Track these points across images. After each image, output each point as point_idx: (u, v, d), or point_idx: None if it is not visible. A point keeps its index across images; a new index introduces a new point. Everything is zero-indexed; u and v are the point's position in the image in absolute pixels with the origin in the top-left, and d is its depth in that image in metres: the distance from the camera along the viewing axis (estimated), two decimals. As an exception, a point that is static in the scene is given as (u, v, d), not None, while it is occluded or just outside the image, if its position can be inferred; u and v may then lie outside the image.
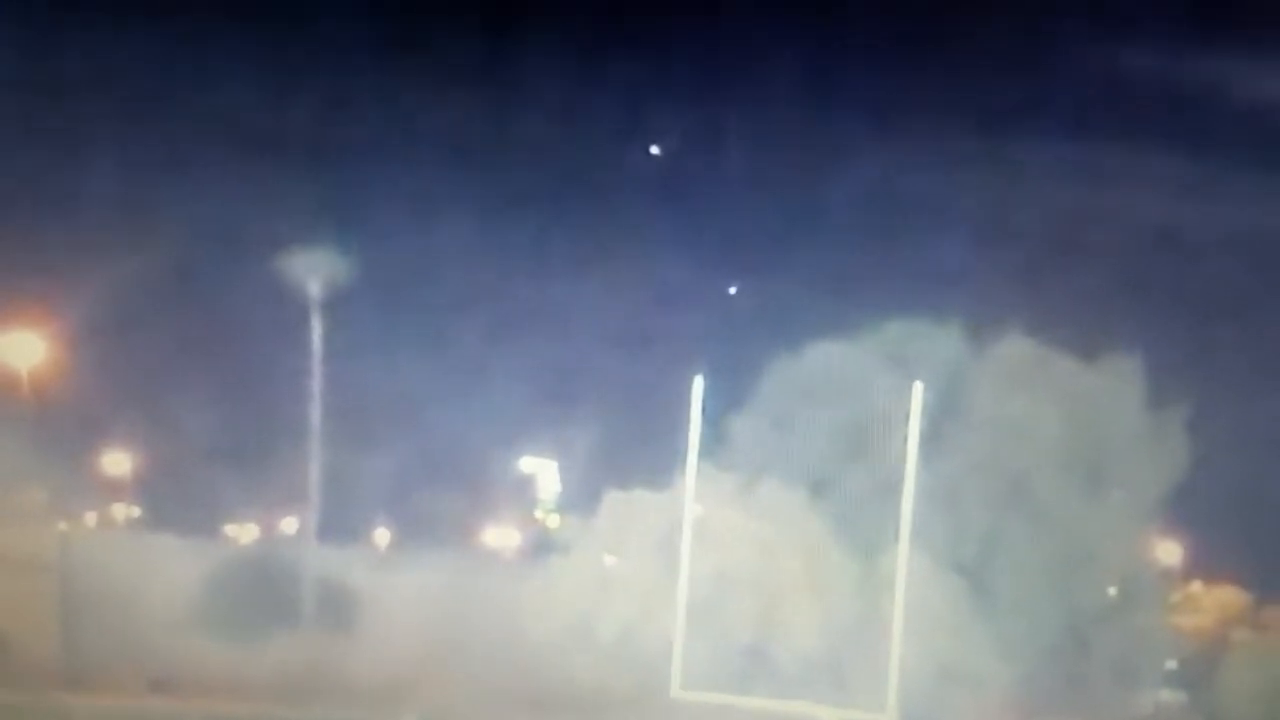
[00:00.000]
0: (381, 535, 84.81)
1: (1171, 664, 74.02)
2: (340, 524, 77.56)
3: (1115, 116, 78.25)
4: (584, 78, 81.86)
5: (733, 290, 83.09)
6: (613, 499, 67.57)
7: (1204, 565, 79.96)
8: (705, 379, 55.63)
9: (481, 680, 68.47)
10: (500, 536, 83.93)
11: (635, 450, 70.31)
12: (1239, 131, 76.47)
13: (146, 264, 73.25)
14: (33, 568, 74.27)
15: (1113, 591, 68.86)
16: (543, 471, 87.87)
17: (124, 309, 73.39)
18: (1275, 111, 75.61)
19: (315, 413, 75.24)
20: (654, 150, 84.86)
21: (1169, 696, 74.88)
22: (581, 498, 74.52)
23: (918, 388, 55.41)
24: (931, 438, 59.43)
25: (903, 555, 54.87)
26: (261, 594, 74.05)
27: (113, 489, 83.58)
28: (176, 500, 79.66)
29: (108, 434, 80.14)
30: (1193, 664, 74.68)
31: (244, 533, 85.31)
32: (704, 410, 55.86)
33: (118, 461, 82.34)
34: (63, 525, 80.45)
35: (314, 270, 74.65)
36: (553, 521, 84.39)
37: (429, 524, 78.52)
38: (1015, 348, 69.06)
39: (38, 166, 75.26)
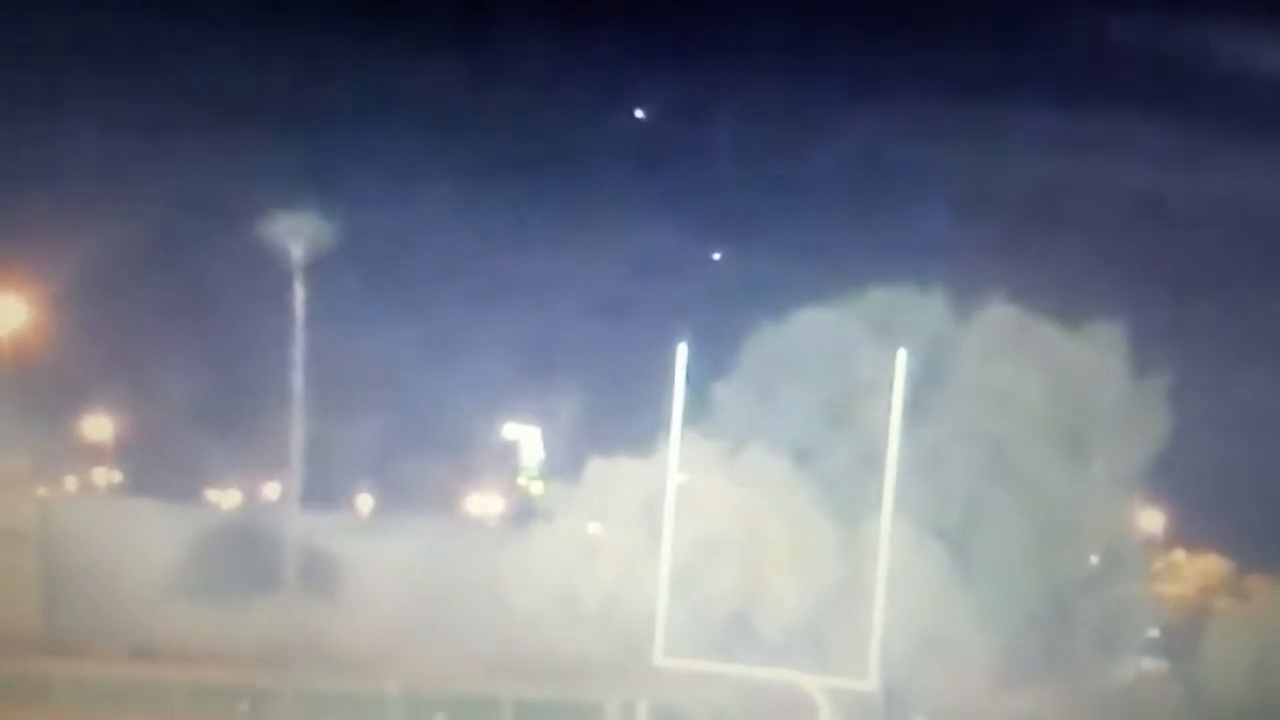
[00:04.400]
0: (364, 501, 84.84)
1: (1153, 632, 74.08)
2: (323, 490, 77.47)
3: (1099, 86, 78.36)
4: (565, 46, 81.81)
5: (716, 257, 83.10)
6: (596, 466, 67.25)
7: (1186, 533, 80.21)
8: (689, 346, 55.46)
9: (464, 647, 68.63)
10: (483, 503, 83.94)
11: (619, 417, 70.25)
12: (1223, 102, 76.64)
13: (128, 230, 73.18)
14: (12, 534, 74.18)
15: (1095, 560, 68.74)
16: (526, 438, 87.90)
17: (105, 274, 73.42)
18: (1259, 82, 75.70)
19: (298, 379, 75.05)
20: (639, 114, 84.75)
21: (1151, 665, 75.06)
22: (565, 465, 74.50)
23: (901, 355, 55.35)
24: (915, 406, 59.19)
25: (885, 523, 54.84)
26: (243, 560, 74.02)
27: (94, 454, 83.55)
28: (158, 465, 79.74)
29: (89, 398, 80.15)
30: (1175, 633, 74.87)
31: (226, 498, 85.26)
32: (688, 377, 55.70)
33: (99, 426, 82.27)
34: (43, 491, 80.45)
35: (295, 237, 74.41)
36: (536, 488, 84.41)
37: (412, 490, 78.55)
38: (998, 316, 68.80)
39: (18, 134, 75.08)
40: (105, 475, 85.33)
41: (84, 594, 72.46)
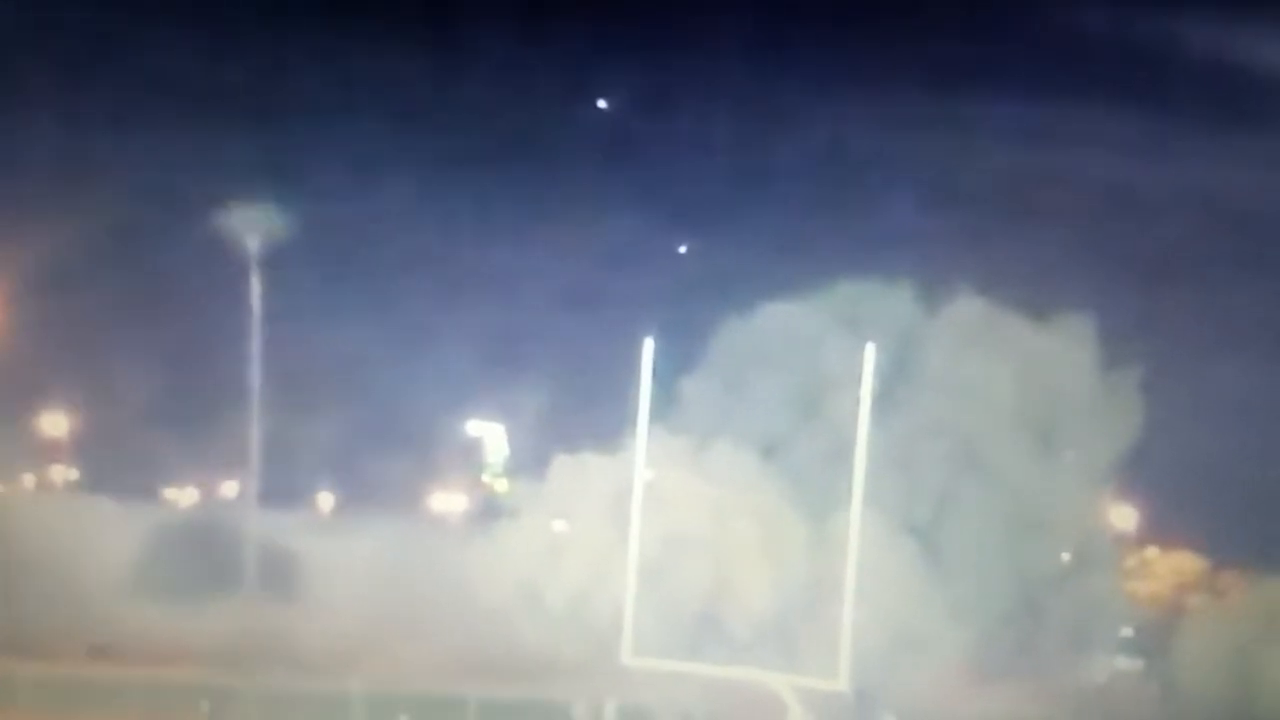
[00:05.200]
0: (325, 499, 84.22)
1: (1127, 630, 73.92)
2: (282, 488, 77.00)
3: (1068, 77, 78.07)
4: (529, 35, 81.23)
5: (683, 250, 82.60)
6: (561, 463, 66.96)
7: (1159, 530, 79.91)
8: (655, 340, 55.31)
9: (428, 647, 68.18)
10: (447, 501, 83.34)
11: (584, 413, 69.86)
12: (1193, 93, 76.46)
13: (85, 222, 72.40)
14: (-32, 531, 73.62)
15: (1066, 556, 68.59)
16: (490, 435, 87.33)
17: (61, 268, 72.68)
18: (1230, 72, 75.48)
19: (256, 375, 74.55)
20: (601, 104, 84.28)
21: (1124, 663, 74.81)
22: (529, 462, 74.09)
23: (870, 349, 55.19)
24: (883, 399, 59.24)
25: (855, 518, 54.74)
26: (203, 559, 73.55)
27: (50, 451, 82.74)
28: (115, 463, 79.02)
29: (45, 394, 79.37)
30: (1148, 630, 74.61)
31: (184, 496, 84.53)
32: (654, 372, 55.59)
33: (55, 422, 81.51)
34: (-1, 488, 79.93)
35: (254, 230, 73.92)
36: (500, 486, 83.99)
37: (373, 488, 78.04)
38: (967, 308, 68.65)
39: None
40: (62, 472, 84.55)
41: (41, 592, 71.85)
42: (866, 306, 67.79)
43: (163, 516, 79.09)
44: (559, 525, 66.57)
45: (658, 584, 59.58)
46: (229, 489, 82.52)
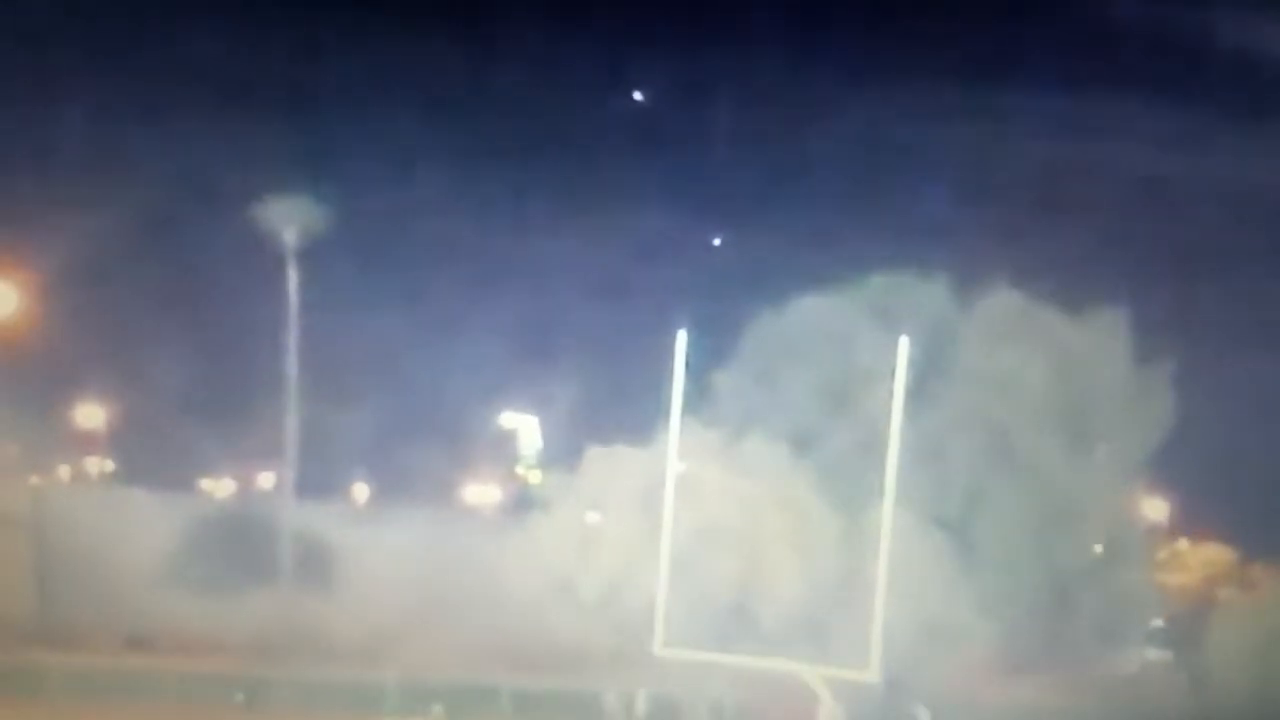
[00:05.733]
0: (360, 491, 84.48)
1: (1157, 622, 73.88)
2: (318, 479, 77.14)
3: (1103, 70, 77.81)
4: (563, 28, 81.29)
5: (716, 243, 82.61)
6: (594, 455, 67.01)
7: (1190, 522, 79.84)
8: (688, 333, 55.19)
9: (461, 637, 68.19)
10: (480, 493, 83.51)
11: (617, 405, 69.88)
12: (1228, 85, 76.29)
13: (120, 215, 72.55)
14: (4, 523, 73.74)
15: (1098, 548, 68.46)
16: (523, 427, 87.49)
17: (98, 260, 72.78)
18: (1264, 65, 75.28)
19: (293, 366, 74.71)
20: (637, 96, 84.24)
21: (1154, 655, 74.73)
22: (563, 453, 74.16)
23: (903, 342, 54.98)
24: (916, 393, 58.90)
25: (887, 512, 54.51)
26: (238, 550, 73.62)
27: (86, 442, 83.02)
28: (151, 454, 79.24)
29: (81, 386, 79.59)
30: (1178, 622, 74.49)
31: (220, 488, 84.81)
32: (687, 365, 55.41)
33: (91, 414, 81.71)
34: (35, 479, 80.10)
35: (290, 222, 74.11)
36: (534, 478, 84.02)
37: (408, 480, 78.03)
38: (1001, 301, 68.54)
39: (9, 117, 74.56)
40: (98, 464, 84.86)
41: (77, 584, 72.04)
42: (900, 299, 67.63)
43: (198, 508, 79.17)
44: (592, 517, 66.65)
45: (689, 575, 59.45)
46: (265, 480, 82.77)
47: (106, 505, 77.97)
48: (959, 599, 64.48)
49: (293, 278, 74.47)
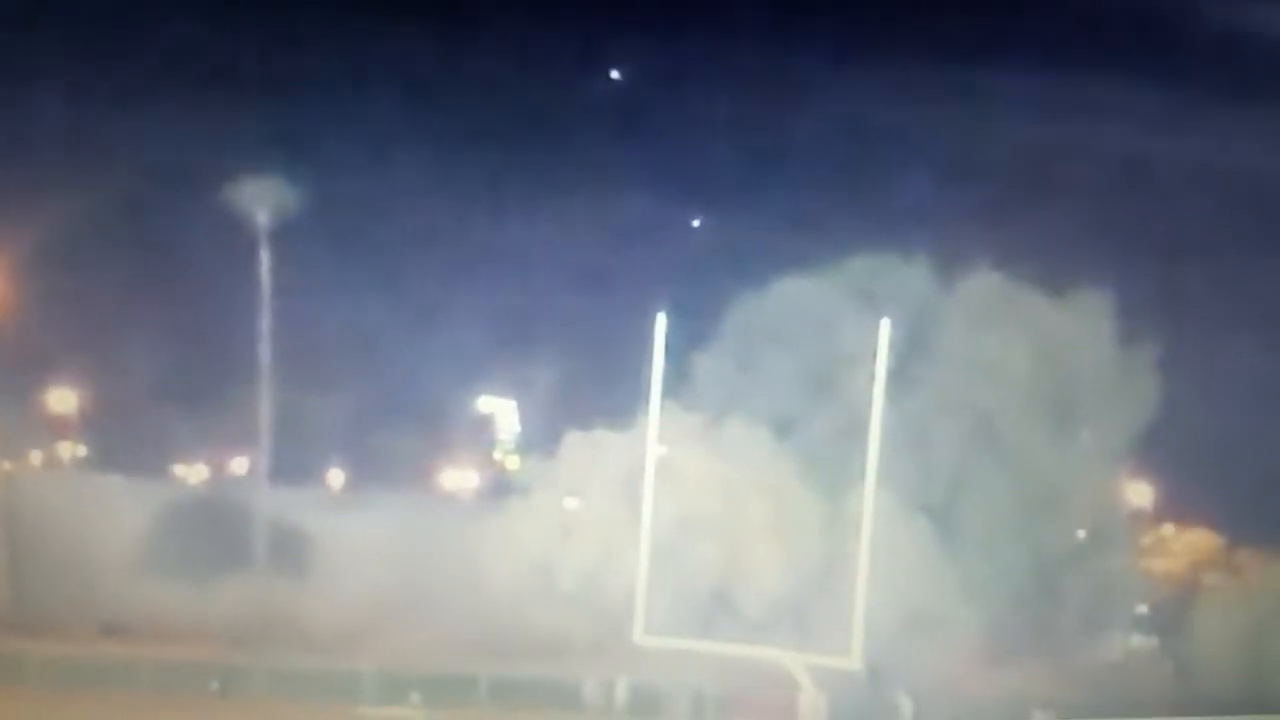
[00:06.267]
0: (335, 476, 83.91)
1: (1142, 608, 73.74)
2: (292, 464, 76.70)
3: (1085, 51, 77.50)
4: (540, 9, 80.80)
5: (696, 225, 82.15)
6: (573, 440, 66.91)
7: (1175, 507, 79.56)
8: (668, 316, 55.23)
9: (439, 625, 67.81)
10: (458, 478, 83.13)
11: (596, 390, 69.61)
12: (1211, 67, 75.85)
13: (93, 198, 72.09)
14: (-25, 509, 73.51)
15: (1082, 534, 68.47)
16: (501, 411, 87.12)
17: (69, 243, 72.35)
18: (1247, 46, 74.97)
19: (267, 351, 74.32)
20: (614, 75, 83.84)
21: (1139, 641, 74.50)
22: (541, 438, 73.90)
23: (885, 325, 54.94)
24: (898, 376, 59.03)
25: (869, 496, 54.60)
26: (212, 536, 73.25)
27: (58, 427, 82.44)
28: (124, 439, 78.75)
29: (53, 370, 79.00)
30: (1163, 608, 74.35)
31: (194, 473, 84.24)
32: (667, 348, 55.47)
33: (63, 399, 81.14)
34: (6, 465, 79.44)
35: (264, 205, 73.73)
36: (512, 463, 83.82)
37: (384, 465, 77.72)
38: (983, 284, 68.55)
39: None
40: (70, 449, 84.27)
41: (51, 571, 71.66)
42: (881, 282, 67.61)
43: (172, 494, 78.70)
44: (571, 502, 66.57)
45: (670, 562, 59.51)
46: (239, 466, 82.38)
47: (79, 491, 77.53)
48: (941, 585, 64.40)
49: (267, 261, 74.18)
